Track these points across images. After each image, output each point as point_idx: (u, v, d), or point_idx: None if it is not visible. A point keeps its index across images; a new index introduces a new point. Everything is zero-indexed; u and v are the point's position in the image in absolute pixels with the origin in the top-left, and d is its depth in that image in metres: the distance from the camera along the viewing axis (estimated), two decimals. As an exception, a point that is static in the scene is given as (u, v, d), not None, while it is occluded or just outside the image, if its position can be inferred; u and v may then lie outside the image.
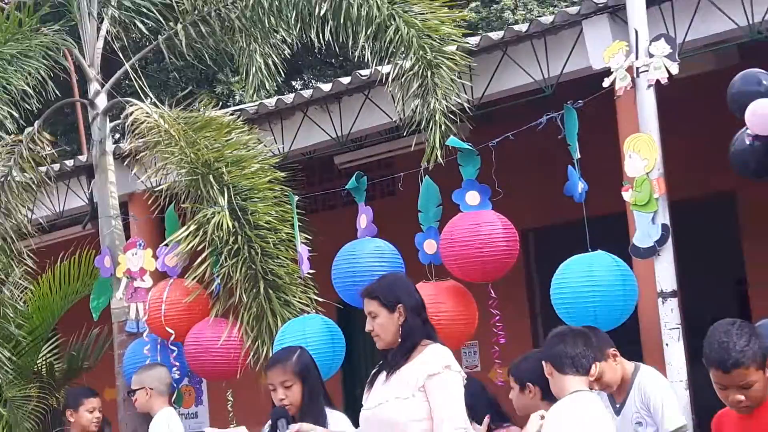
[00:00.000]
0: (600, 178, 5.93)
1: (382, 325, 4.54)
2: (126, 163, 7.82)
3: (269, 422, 4.99)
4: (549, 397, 4.59)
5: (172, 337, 6.89)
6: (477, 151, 5.91)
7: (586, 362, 4.29)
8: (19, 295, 8.41)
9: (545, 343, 4.35)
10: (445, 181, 6.09)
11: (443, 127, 6.43)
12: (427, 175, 6.12)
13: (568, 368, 4.24)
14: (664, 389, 4.80)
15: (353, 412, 4.89)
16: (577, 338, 4.32)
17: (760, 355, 3.61)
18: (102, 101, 7.67)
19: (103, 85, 7.70)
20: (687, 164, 7.54)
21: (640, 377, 4.83)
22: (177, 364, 7.11)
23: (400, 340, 4.53)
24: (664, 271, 5.25)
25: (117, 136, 9.66)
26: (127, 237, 7.65)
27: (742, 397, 3.64)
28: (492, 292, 5.93)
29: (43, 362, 8.90)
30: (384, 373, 4.55)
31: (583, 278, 5.36)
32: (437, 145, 6.36)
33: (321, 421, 4.79)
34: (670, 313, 5.21)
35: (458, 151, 5.96)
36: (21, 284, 8.41)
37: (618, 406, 4.89)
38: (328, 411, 4.91)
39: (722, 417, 3.91)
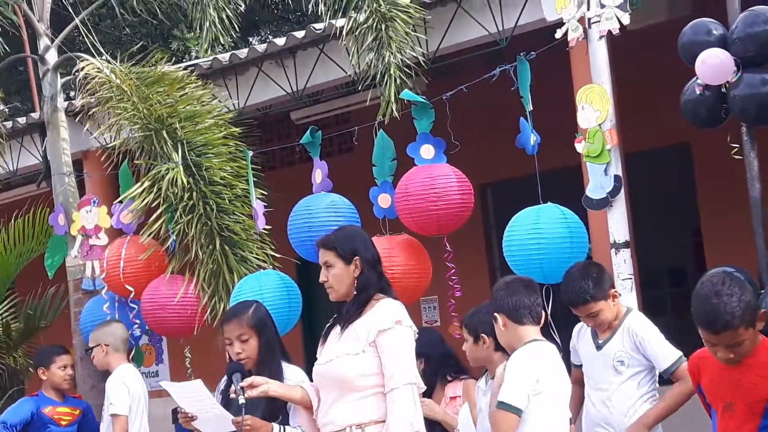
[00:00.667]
0: (556, 132, 5.94)
1: (337, 276, 4.53)
2: (78, 119, 7.73)
3: (225, 377, 5.00)
4: (503, 348, 4.61)
5: (131, 295, 6.88)
6: (431, 105, 5.90)
7: (540, 311, 4.30)
8: (-27, 255, 8.39)
9: (496, 294, 4.32)
10: (401, 135, 6.08)
11: (398, 81, 6.39)
12: (381, 129, 6.11)
13: (525, 318, 4.23)
14: (654, 329, 4.83)
15: (313, 367, 4.90)
16: (529, 288, 4.32)
17: (749, 314, 3.60)
18: (52, 57, 7.57)
19: (53, 40, 7.60)
20: (641, 116, 7.58)
21: (630, 320, 4.84)
22: (137, 322, 7.10)
23: (354, 293, 4.53)
24: (617, 222, 5.28)
25: (70, 92, 9.52)
26: (81, 194, 7.61)
27: (731, 355, 3.67)
28: (447, 245, 5.96)
29: (0, 321, 8.86)
30: (338, 328, 4.56)
31: (529, 231, 5.38)
32: (392, 99, 6.33)
33: (277, 374, 4.79)
34: (622, 264, 5.24)
35: (413, 104, 5.95)
36: (-25, 243, 8.39)
37: (600, 342, 4.87)
38: (285, 365, 4.91)
39: (700, 361, 3.90)
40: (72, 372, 6.94)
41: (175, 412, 4.91)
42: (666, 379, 4.84)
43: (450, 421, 5.39)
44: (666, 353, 4.77)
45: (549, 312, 5.17)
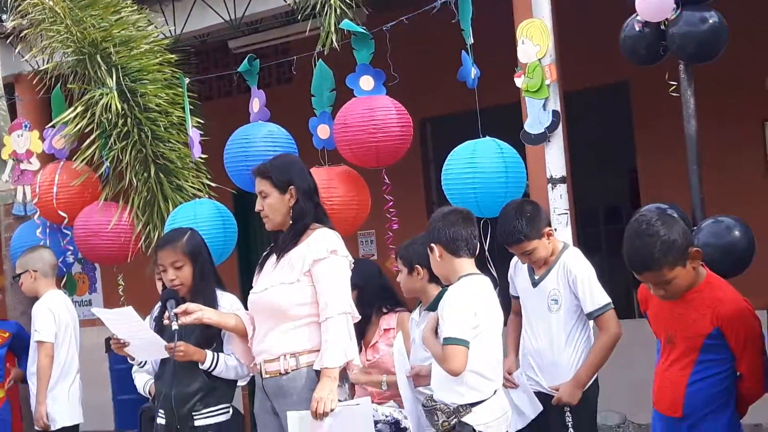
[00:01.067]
0: (497, 66, 5.92)
1: (272, 205, 4.51)
2: (10, 41, 7.53)
3: (159, 304, 4.97)
4: (436, 280, 4.63)
5: (64, 222, 6.79)
6: (371, 36, 5.84)
7: (476, 244, 4.31)
8: None
9: (434, 225, 4.28)
10: (341, 66, 6.02)
11: (338, 11, 6.31)
12: (320, 60, 6.04)
13: (462, 251, 4.23)
14: (588, 270, 4.78)
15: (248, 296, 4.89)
16: (467, 220, 4.30)
17: (674, 254, 3.60)
18: (-17, -24, 7.37)
19: (-17, -41, 7.39)
20: (581, 53, 7.59)
21: (565, 257, 4.81)
22: (70, 248, 7.02)
23: (291, 222, 4.51)
24: (554, 158, 5.30)
25: (1, 15, 9.26)
26: (13, 118, 7.46)
27: (662, 291, 3.70)
28: (386, 178, 5.95)
29: (-71, 246, 8.70)
30: (273, 257, 4.55)
31: (466, 165, 5.38)
32: (332, 29, 6.25)
33: (211, 302, 4.78)
34: (559, 199, 5.28)
35: (352, 35, 5.88)
36: None
37: (537, 278, 4.87)
38: (219, 293, 4.90)
39: (648, 291, 3.91)
40: (1, 296, 6.87)
41: (108, 340, 4.89)
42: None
43: None
44: (595, 296, 4.73)
45: (486, 246, 5.22)
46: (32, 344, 6.45)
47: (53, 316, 6.37)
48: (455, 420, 4.16)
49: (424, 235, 4.49)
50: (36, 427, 6.44)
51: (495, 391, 4.21)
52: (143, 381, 5.25)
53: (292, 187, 4.50)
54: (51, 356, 6.35)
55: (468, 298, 4.16)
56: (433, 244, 4.27)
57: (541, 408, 4.78)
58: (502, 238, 4.86)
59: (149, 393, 5.21)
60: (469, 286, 4.20)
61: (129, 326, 4.69)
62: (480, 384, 4.16)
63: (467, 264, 4.25)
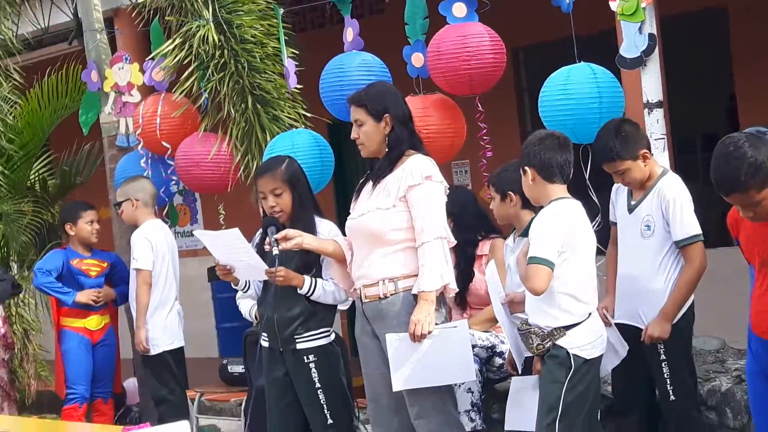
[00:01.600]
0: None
1: (367, 133, 4.58)
2: (109, -24, 7.69)
3: (260, 231, 5.10)
4: (529, 206, 4.66)
5: (168, 153, 6.94)
6: (464, -38, 5.81)
7: (570, 170, 4.31)
8: (8, 110, 8.43)
9: (529, 149, 4.27)
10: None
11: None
12: (412, -12, 6.03)
13: (555, 177, 4.24)
14: (683, 197, 4.70)
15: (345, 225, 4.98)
16: (564, 146, 4.29)
17: (764, 175, 3.54)
18: None
19: None
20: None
21: (663, 182, 4.73)
22: (174, 178, 7.18)
23: (386, 149, 4.57)
24: (651, 82, 5.25)
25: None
26: (113, 52, 7.60)
27: (751, 213, 3.66)
28: (479, 105, 5.95)
29: (36, 177, 8.97)
30: (370, 183, 4.62)
31: (559, 91, 5.34)
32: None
33: (310, 228, 4.89)
34: (655, 124, 5.23)
35: (445, -39, 5.86)
36: (10, 99, 8.42)
37: (633, 204, 4.82)
38: (318, 219, 5.01)
39: (738, 216, 3.87)
40: (98, 227, 7.05)
41: (210, 270, 5.03)
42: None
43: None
44: (685, 225, 4.65)
45: (587, 173, 5.20)
46: (132, 273, 6.65)
47: (151, 245, 6.53)
48: (549, 343, 4.22)
49: (516, 162, 4.50)
50: (138, 350, 6.67)
51: (589, 315, 4.24)
52: (248, 306, 5.39)
53: (387, 114, 4.55)
54: (148, 283, 6.51)
55: (557, 221, 4.18)
56: (527, 168, 4.27)
57: (627, 347, 4.77)
58: (597, 156, 4.83)
59: (255, 318, 5.36)
60: (559, 209, 4.21)
61: (230, 249, 4.81)
62: (573, 307, 4.19)
63: (559, 189, 4.26)
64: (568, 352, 4.18)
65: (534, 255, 4.13)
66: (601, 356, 4.29)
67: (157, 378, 6.62)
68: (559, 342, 4.20)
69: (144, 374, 6.84)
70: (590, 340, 4.22)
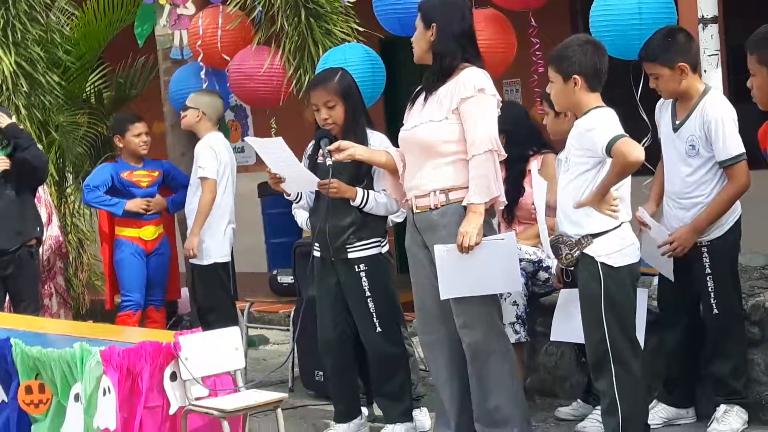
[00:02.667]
0: None
1: (416, 38, 4.66)
2: None
3: (312, 143, 5.18)
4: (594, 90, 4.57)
5: (228, 66, 6.96)
6: None
7: (605, 79, 4.29)
8: (65, 22, 8.54)
9: (572, 53, 4.22)
10: None
11: None
12: None
13: (599, 85, 4.22)
14: (726, 116, 4.64)
15: (395, 142, 5.04)
16: (604, 51, 4.27)
17: None
18: None
19: None
20: None
21: (706, 100, 4.66)
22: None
23: (431, 58, 4.60)
24: (706, -4, 5.19)
25: None
26: (169, -37, 7.62)
27: None
28: (532, 20, 5.94)
29: (92, 89, 9.08)
30: (423, 95, 4.66)
31: (601, 7, 5.30)
32: None
33: (362, 140, 4.96)
34: (709, 39, 5.17)
35: None
36: (67, 10, 8.52)
37: (677, 123, 4.78)
38: (369, 132, 5.08)
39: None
40: (147, 139, 7.08)
41: (261, 185, 5.12)
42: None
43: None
44: (728, 144, 4.59)
45: (638, 94, 5.17)
46: (194, 181, 6.72)
47: (215, 155, 6.61)
48: (577, 252, 4.24)
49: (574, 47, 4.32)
50: (186, 256, 6.77)
51: (621, 223, 4.23)
52: (303, 217, 5.48)
53: (433, 24, 4.58)
54: (214, 192, 6.61)
55: (613, 120, 4.17)
56: (576, 76, 4.22)
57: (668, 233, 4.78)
58: (640, 53, 4.80)
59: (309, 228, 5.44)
60: (607, 114, 4.20)
61: (279, 157, 4.89)
62: (602, 215, 4.19)
63: (598, 98, 4.25)
64: (595, 260, 4.19)
65: (613, 136, 4.06)
66: (634, 264, 4.27)
67: (206, 287, 6.76)
68: (587, 250, 4.21)
69: (194, 283, 6.99)
70: (618, 248, 4.22)
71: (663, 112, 4.93)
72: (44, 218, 7.37)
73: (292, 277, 6.53)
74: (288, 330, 7.06)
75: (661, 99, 4.92)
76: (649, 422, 4.44)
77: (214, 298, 6.75)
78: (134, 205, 7.00)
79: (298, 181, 5.00)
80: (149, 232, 7.10)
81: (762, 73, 4.17)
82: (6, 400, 4.62)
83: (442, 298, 4.56)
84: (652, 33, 4.85)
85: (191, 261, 6.76)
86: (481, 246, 4.45)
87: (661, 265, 4.83)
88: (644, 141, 4.94)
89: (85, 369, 4.16)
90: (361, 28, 6.74)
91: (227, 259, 6.77)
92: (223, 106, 6.89)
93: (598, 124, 4.16)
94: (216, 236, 6.68)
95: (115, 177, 7.06)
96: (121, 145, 7.12)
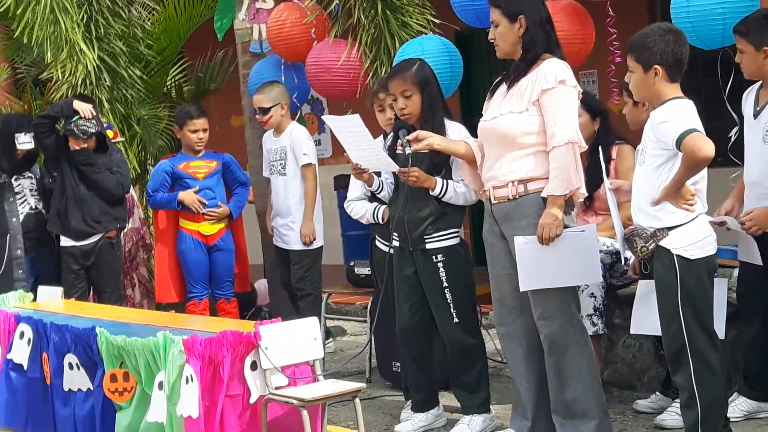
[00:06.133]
0: None
1: (501, 34, 4.59)
2: None
3: (383, 134, 5.20)
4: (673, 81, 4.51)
5: (306, 58, 7.01)
6: None
7: (685, 69, 4.20)
8: (146, 16, 8.68)
9: (654, 46, 4.14)
10: None
11: None
12: None
13: (679, 75, 4.15)
14: None
15: (471, 132, 5.04)
16: (685, 40, 4.18)
17: None
18: None
19: None
20: None
21: None
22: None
23: (521, 51, 4.58)
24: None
25: None
26: (247, -42, 7.70)
27: None
28: (610, 10, 5.89)
29: (172, 83, 9.23)
30: (504, 85, 4.65)
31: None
32: None
33: (440, 130, 4.97)
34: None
35: None
36: (148, 5, 8.66)
37: (758, 109, 4.74)
38: (448, 122, 5.08)
39: None
40: (204, 135, 7.17)
41: (337, 178, 5.16)
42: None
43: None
44: None
45: (726, 91, 5.09)
46: (291, 169, 6.77)
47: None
48: (653, 245, 4.18)
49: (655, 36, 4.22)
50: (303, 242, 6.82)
51: (697, 215, 4.17)
52: (363, 209, 5.54)
53: (521, 16, 4.55)
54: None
55: (691, 110, 4.10)
56: (657, 66, 4.15)
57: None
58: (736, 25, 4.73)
59: (381, 219, 5.48)
60: (686, 105, 4.12)
61: (354, 135, 4.91)
62: (676, 207, 4.12)
63: (677, 89, 4.18)
64: (672, 253, 4.14)
65: (685, 129, 3.98)
66: (711, 256, 4.20)
67: (309, 272, 6.84)
68: (662, 243, 4.15)
69: (285, 269, 7.04)
70: (694, 240, 4.15)
71: (747, 100, 4.87)
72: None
73: (369, 269, 6.57)
74: (365, 321, 7.11)
75: (748, 89, 4.84)
76: (729, 415, 4.39)
77: (309, 283, 6.83)
78: (188, 198, 7.09)
79: (375, 161, 5.01)
80: (207, 227, 7.21)
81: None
82: (92, 388, 4.72)
83: (521, 290, 4.55)
84: (734, 22, 4.79)
85: (293, 247, 6.81)
86: (561, 238, 4.43)
87: (750, 255, 4.77)
88: (732, 134, 4.88)
89: (168, 358, 4.23)
90: (436, 20, 6.76)
91: (321, 243, 6.89)
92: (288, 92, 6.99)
93: (671, 116, 4.10)
94: (319, 221, 6.80)
95: (172, 171, 7.19)
96: (178, 137, 7.24)
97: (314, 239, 6.77)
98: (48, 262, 7.10)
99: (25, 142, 7.00)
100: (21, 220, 7.07)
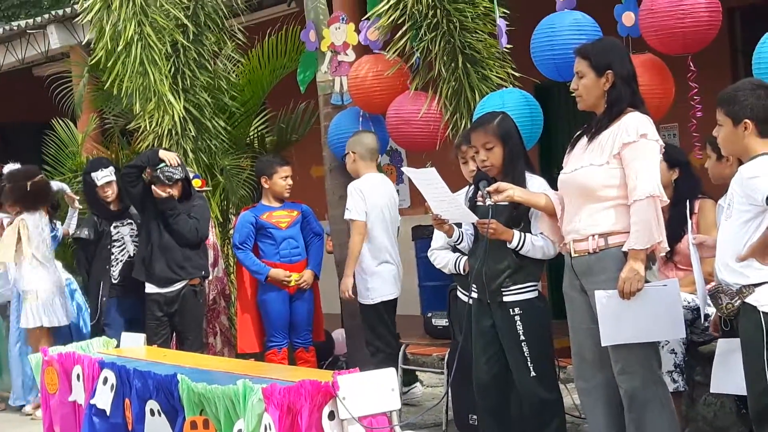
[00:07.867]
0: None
1: (587, 86, 4.60)
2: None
3: (464, 187, 5.22)
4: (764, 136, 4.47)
5: (387, 111, 7.07)
6: None
7: None
8: (231, 69, 8.86)
9: (745, 99, 4.13)
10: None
11: None
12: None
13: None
14: None
15: (551, 185, 5.04)
16: None
17: None
18: None
19: None
20: None
21: None
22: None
23: (606, 105, 4.58)
24: None
25: None
26: (330, 12, 7.83)
27: None
28: (691, 65, 5.87)
29: (255, 134, 9.37)
30: (585, 138, 4.66)
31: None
32: None
33: (521, 182, 4.98)
34: None
35: None
36: (233, 57, 8.85)
37: None
38: (528, 175, 5.09)
39: None
40: (291, 182, 7.31)
41: (415, 229, 5.19)
42: None
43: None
44: None
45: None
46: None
47: (363, 197, 6.75)
48: (738, 302, 4.13)
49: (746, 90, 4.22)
50: (342, 298, 6.89)
51: None
52: (446, 258, 5.54)
53: (609, 71, 4.56)
54: (362, 234, 6.73)
55: None
56: (747, 120, 4.12)
57: None
58: None
59: (463, 270, 5.49)
60: None
61: (432, 187, 4.95)
62: (763, 264, 3.98)
63: (766, 144, 4.13)
64: (758, 310, 4.06)
65: None
66: None
67: (371, 328, 6.87)
68: (748, 300, 4.09)
69: (360, 324, 7.07)
70: None
71: None
72: (211, 259, 7.65)
73: (446, 320, 6.56)
74: (441, 372, 7.09)
75: None
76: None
77: (378, 340, 6.85)
78: (277, 275, 7.20)
79: (454, 212, 5.04)
80: (292, 278, 7.29)
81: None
82: (172, 435, 4.77)
83: (603, 344, 4.51)
84: None
85: (360, 301, 6.87)
86: (643, 292, 4.40)
87: None
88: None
89: (248, 406, 4.25)
90: (516, 73, 6.79)
91: (393, 295, 6.87)
92: (373, 140, 7.01)
93: (762, 172, 4.05)
94: (377, 275, 6.79)
95: (255, 222, 7.28)
96: (266, 186, 7.35)
97: (351, 297, 6.77)
98: (141, 309, 7.27)
99: (104, 176, 7.21)
100: (120, 268, 7.25)
